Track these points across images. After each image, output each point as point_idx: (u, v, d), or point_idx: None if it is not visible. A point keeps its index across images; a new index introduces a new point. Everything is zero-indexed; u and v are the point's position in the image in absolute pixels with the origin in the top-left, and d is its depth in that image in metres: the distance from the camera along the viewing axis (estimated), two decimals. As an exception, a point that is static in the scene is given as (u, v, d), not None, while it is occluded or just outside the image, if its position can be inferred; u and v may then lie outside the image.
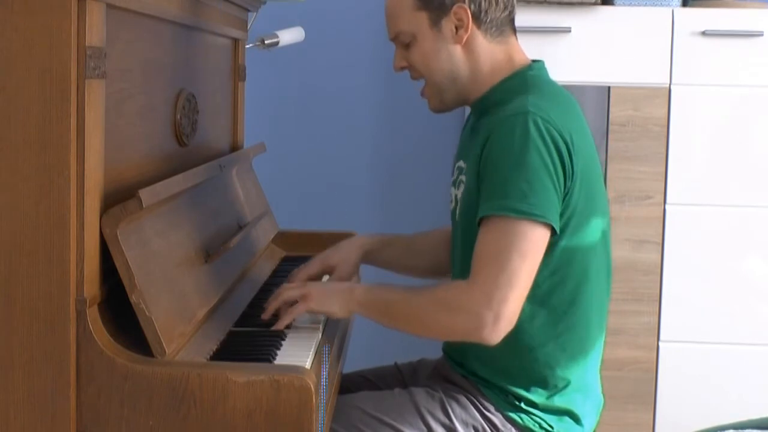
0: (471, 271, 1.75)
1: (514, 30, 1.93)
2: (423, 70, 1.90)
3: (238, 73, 2.45)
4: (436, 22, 1.86)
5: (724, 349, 2.93)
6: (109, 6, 1.51)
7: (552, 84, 1.91)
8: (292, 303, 1.86)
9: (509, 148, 1.74)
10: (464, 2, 1.85)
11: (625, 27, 2.88)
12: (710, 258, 2.91)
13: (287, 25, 2.72)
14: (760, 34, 2.86)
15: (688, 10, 2.89)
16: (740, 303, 2.91)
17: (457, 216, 1.91)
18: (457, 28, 1.86)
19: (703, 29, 2.86)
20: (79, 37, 1.43)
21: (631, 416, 2.94)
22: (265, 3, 2.53)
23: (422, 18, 1.86)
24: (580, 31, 2.88)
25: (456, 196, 1.92)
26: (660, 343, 2.93)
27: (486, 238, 1.74)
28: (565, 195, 1.77)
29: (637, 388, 2.93)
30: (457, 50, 1.87)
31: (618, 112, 2.90)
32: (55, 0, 1.41)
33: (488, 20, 1.87)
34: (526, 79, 1.87)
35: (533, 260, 1.73)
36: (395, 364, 2.14)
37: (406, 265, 2.18)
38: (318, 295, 1.84)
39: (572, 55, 2.89)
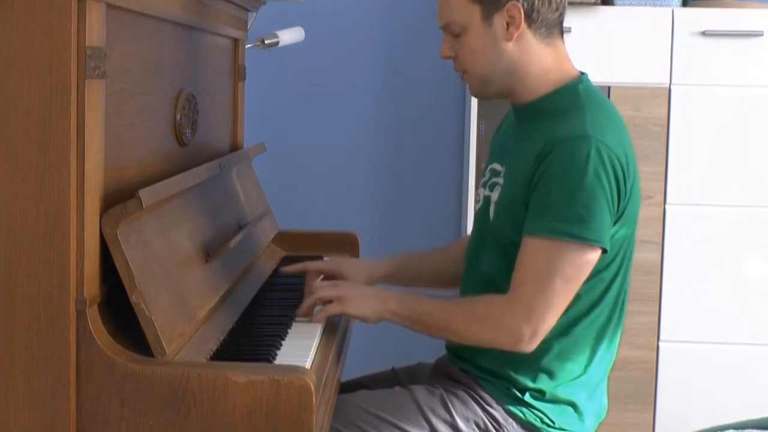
0: (512, 285, 1.78)
1: (562, 33, 1.92)
2: (469, 62, 1.89)
3: (238, 73, 2.45)
4: (487, 17, 1.85)
5: (724, 349, 2.93)
6: (109, 6, 1.51)
7: (602, 99, 1.91)
8: (326, 301, 1.89)
9: (570, 172, 1.75)
10: (518, 0, 1.84)
11: (625, 27, 2.88)
12: (710, 258, 2.91)
13: (287, 25, 2.72)
14: (760, 34, 2.86)
15: (688, 10, 2.89)
16: (740, 303, 2.91)
17: (491, 218, 1.91)
18: (508, 25, 1.85)
19: (703, 29, 2.86)
20: (79, 37, 1.43)
21: (631, 416, 2.94)
22: (265, 3, 2.53)
23: (474, 11, 1.85)
24: (580, 31, 2.88)
25: (488, 197, 1.92)
26: (660, 343, 2.93)
27: (533, 256, 1.77)
28: (618, 213, 1.80)
29: (637, 388, 2.93)
30: (507, 47, 1.86)
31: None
32: (55, 0, 1.41)
33: (540, 20, 1.86)
34: (579, 93, 1.87)
35: (577, 283, 1.78)
36: (392, 368, 2.14)
37: (428, 282, 2.19)
38: (354, 300, 1.87)
39: (572, 55, 2.86)
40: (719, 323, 2.92)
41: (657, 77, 2.89)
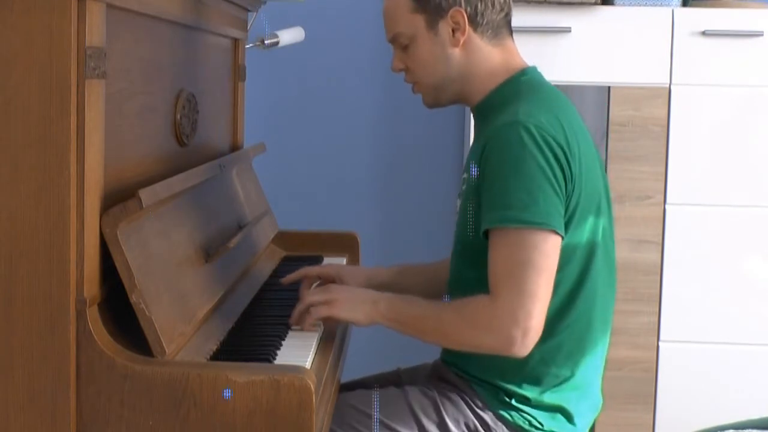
0: (491, 287, 1.75)
1: (511, 32, 1.93)
2: (420, 72, 1.91)
3: (238, 73, 2.45)
4: (432, 25, 1.87)
5: (724, 349, 2.93)
6: (109, 6, 1.51)
7: (545, 88, 1.90)
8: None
9: (505, 159, 1.75)
10: (460, 5, 1.85)
11: (625, 27, 2.88)
12: (710, 258, 2.91)
13: (287, 25, 2.72)
14: (760, 34, 2.86)
15: (688, 10, 2.89)
16: (740, 303, 2.91)
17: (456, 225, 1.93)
18: (453, 31, 1.87)
19: (703, 29, 2.86)
20: (79, 37, 1.43)
21: (631, 416, 2.94)
22: (265, 3, 2.53)
23: (419, 20, 1.88)
24: (580, 31, 2.88)
25: (458, 205, 1.93)
26: (660, 343, 2.93)
27: (499, 253, 1.75)
28: (567, 197, 1.78)
29: (637, 388, 2.93)
30: (455, 53, 1.88)
31: (618, 112, 2.90)
32: (55, 0, 1.41)
33: (485, 22, 1.88)
34: (519, 85, 1.87)
35: (549, 270, 1.74)
36: (397, 369, 2.14)
37: (427, 292, 2.17)
38: (343, 303, 1.85)
39: (572, 55, 2.89)
40: (719, 323, 2.92)
41: (657, 77, 2.89)
